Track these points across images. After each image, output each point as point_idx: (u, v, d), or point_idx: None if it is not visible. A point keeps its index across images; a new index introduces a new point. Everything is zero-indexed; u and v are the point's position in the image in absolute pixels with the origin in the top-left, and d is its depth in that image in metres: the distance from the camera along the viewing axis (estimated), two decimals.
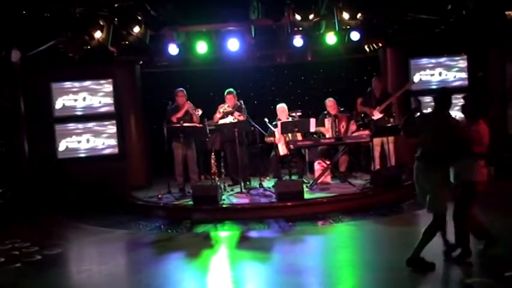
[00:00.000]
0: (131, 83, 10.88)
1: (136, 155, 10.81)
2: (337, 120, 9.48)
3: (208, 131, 9.24)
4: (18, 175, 9.84)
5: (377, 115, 9.57)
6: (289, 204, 8.24)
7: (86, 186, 9.85)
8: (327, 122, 9.65)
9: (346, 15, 8.29)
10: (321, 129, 9.69)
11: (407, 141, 10.41)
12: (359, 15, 8.30)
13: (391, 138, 9.34)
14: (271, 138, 9.62)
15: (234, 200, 8.67)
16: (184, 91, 9.57)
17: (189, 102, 9.47)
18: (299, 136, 9.43)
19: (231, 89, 9.66)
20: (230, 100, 9.56)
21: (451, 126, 5.44)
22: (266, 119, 9.64)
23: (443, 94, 5.62)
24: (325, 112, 9.86)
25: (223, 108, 9.51)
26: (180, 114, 9.30)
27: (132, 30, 8.27)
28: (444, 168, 5.42)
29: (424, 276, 5.41)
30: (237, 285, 5.55)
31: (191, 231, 7.83)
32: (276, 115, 9.78)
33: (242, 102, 9.49)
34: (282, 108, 9.76)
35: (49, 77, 10.38)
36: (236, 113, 9.45)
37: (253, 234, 7.50)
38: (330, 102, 9.81)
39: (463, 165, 5.45)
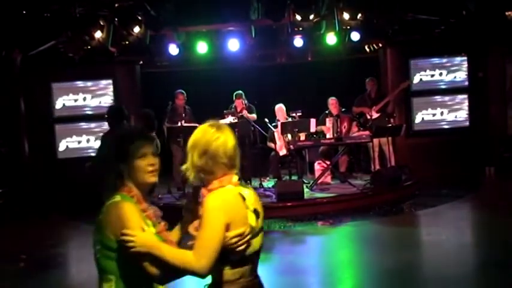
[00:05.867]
0: (131, 83, 10.88)
1: None
2: (339, 120, 9.48)
3: None
4: (18, 175, 9.84)
5: (374, 115, 9.60)
6: (289, 204, 8.24)
7: (86, 186, 9.84)
8: (328, 121, 9.66)
9: (346, 16, 8.30)
10: (322, 127, 9.69)
11: (407, 141, 10.49)
12: (359, 15, 8.31)
13: (390, 139, 9.35)
14: (272, 145, 9.67)
15: None
16: (185, 94, 9.60)
17: (187, 106, 9.59)
18: (302, 136, 9.42)
19: (240, 92, 9.72)
20: (239, 103, 9.65)
21: None
22: (266, 119, 9.65)
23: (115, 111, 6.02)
24: (327, 112, 9.87)
25: (229, 116, 9.55)
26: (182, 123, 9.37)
27: (132, 30, 8.27)
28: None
29: (423, 277, 5.41)
30: None
31: None
32: (275, 116, 9.82)
33: (246, 102, 9.64)
34: (279, 108, 9.78)
35: (49, 77, 10.38)
36: (245, 112, 9.50)
37: None
38: (332, 101, 9.82)
39: None
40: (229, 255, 2.31)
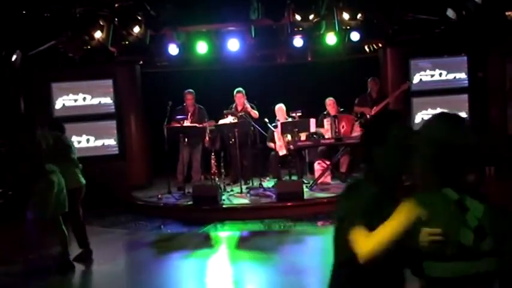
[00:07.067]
0: (131, 83, 10.88)
1: (137, 155, 10.81)
2: (336, 120, 9.48)
3: (208, 131, 9.27)
4: (19, 175, 9.83)
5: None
6: (289, 204, 8.24)
7: (86, 186, 9.84)
8: (326, 122, 9.65)
9: (346, 16, 8.31)
10: (321, 130, 9.69)
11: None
12: (359, 15, 8.31)
13: None
14: (272, 144, 9.68)
15: (234, 200, 8.67)
16: (193, 93, 9.64)
17: (199, 106, 9.66)
18: (302, 136, 9.41)
19: (240, 88, 9.72)
20: (239, 99, 9.64)
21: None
22: (266, 119, 9.66)
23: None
24: (325, 112, 9.87)
25: (229, 116, 9.55)
26: (188, 122, 9.35)
27: (132, 30, 8.28)
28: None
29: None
30: (237, 285, 5.55)
31: (191, 231, 7.83)
32: (275, 116, 9.83)
33: (246, 101, 9.66)
34: (279, 108, 9.79)
35: (49, 77, 10.38)
36: (249, 108, 9.51)
37: (253, 234, 7.51)
38: (329, 101, 9.83)
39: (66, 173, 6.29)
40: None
